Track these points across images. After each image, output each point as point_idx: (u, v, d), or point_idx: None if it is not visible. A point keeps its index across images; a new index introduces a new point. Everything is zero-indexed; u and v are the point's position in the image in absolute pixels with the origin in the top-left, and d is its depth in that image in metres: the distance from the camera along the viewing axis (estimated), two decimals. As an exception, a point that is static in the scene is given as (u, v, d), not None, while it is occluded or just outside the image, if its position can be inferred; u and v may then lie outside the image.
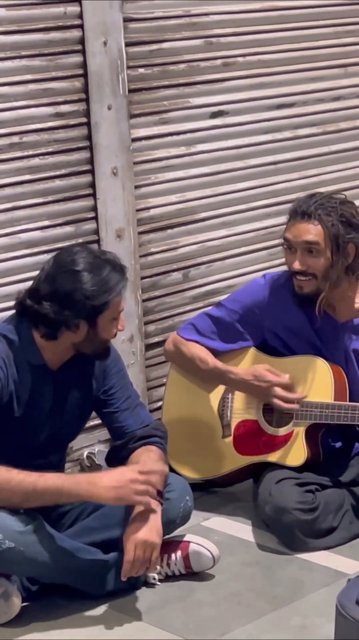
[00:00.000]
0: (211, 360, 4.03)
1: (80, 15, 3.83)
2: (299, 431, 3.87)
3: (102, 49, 3.88)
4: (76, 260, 3.34)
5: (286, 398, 3.80)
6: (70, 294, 3.27)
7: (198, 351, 4.07)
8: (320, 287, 3.80)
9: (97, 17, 3.86)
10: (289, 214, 3.90)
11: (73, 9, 3.80)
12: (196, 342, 4.08)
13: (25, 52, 3.77)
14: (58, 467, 3.66)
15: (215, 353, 4.06)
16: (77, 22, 3.80)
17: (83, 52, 3.88)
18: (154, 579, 3.56)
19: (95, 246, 4.18)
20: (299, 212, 3.80)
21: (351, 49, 5.00)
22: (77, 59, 3.87)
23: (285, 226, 3.94)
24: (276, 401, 3.81)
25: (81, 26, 3.88)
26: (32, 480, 3.23)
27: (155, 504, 3.38)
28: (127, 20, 3.96)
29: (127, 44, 3.96)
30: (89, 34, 3.85)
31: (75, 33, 3.82)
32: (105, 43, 3.89)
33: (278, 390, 3.78)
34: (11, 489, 3.22)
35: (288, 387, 3.93)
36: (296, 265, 3.79)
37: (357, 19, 5.00)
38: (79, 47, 3.90)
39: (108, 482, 3.32)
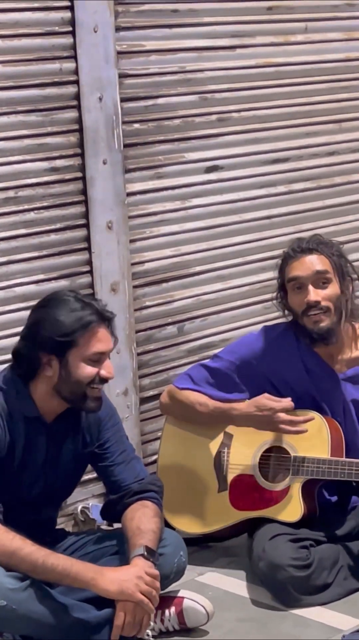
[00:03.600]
0: (211, 402, 4.00)
1: (76, 71, 3.86)
2: (296, 487, 3.83)
3: (98, 104, 3.92)
4: (48, 299, 3.40)
5: (292, 421, 3.78)
6: (36, 328, 3.31)
7: (196, 396, 4.04)
8: (333, 320, 3.82)
9: (93, 73, 3.89)
10: (285, 257, 3.87)
11: (69, 65, 3.84)
12: (192, 390, 4.09)
13: (21, 107, 3.80)
14: (51, 524, 3.68)
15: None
16: (72, 78, 3.83)
17: (78, 107, 3.91)
18: (148, 635, 3.40)
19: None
20: (300, 250, 3.81)
21: (345, 104, 5.05)
22: (72, 114, 3.90)
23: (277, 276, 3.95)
24: (284, 427, 3.80)
25: (77, 82, 3.91)
26: (43, 554, 3.25)
27: (149, 582, 3.36)
28: (122, 76, 3.99)
29: (122, 100, 4.00)
30: (85, 89, 3.89)
31: (71, 89, 3.85)
32: (100, 99, 3.93)
33: (283, 416, 3.77)
34: (21, 558, 3.26)
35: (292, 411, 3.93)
36: (313, 297, 3.75)
37: (351, 75, 5.06)
38: (75, 102, 3.94)
39: (115, 576, 3.33)
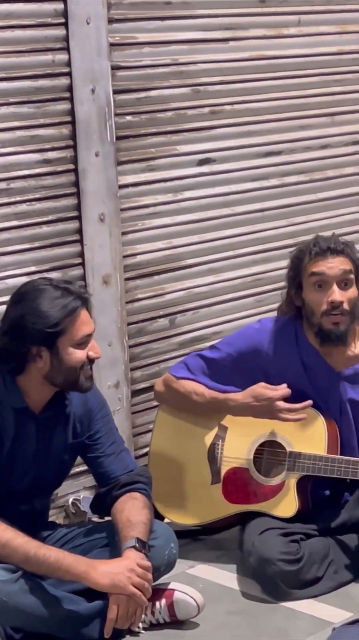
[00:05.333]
0: (208, 392, 4.01)
1: (68, 63, 3.86)
2: (291, 482, 3.87)
3: (90, 96, 3.92)
4: (22, 291, 3.43)
5: (291, 409, 3.81)
6: (20, 323, 3.32)
7: (193, 385, 4.05)
8: (348, 322, 3.85)
9: (85, 65, 3.89)
10: (306, 252, 3.87)
11: (61, 56, 3.84)
12: (189, 379, 4.12)
13: (13, 99, 3.81)
14: (42, 514, 3.70)
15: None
16: (65, 69, 3.84)
17: (71, 99, 3.92)
18: (139, 627, 3.49)
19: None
20: (329, 249, 3.82)
21: (338, 97, 5.07)
22: (65, 106, 3.91)
23: (290, 270, 3.89)
24: (282, 415, 3.84)
25: (69, 74, 3.92)
26: (34, 546, 3.28)
27: (141, 575, 3.40)
28: (114, 68, 4.00)
29: (115, 92, 4.00)
30: (77, 81, 3.89)
31: (63, 80, 3.86)
32: (93, 90, 3.92)
33: (281, 404, 3.79)
34: (13, 549, 3.28)
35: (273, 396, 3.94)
36: (338, 297, 3.77)
37: (345, 68, 5.08)
38: (67, 94, 3.94)
39: (107, 568, 3.36)
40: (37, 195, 4.00)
